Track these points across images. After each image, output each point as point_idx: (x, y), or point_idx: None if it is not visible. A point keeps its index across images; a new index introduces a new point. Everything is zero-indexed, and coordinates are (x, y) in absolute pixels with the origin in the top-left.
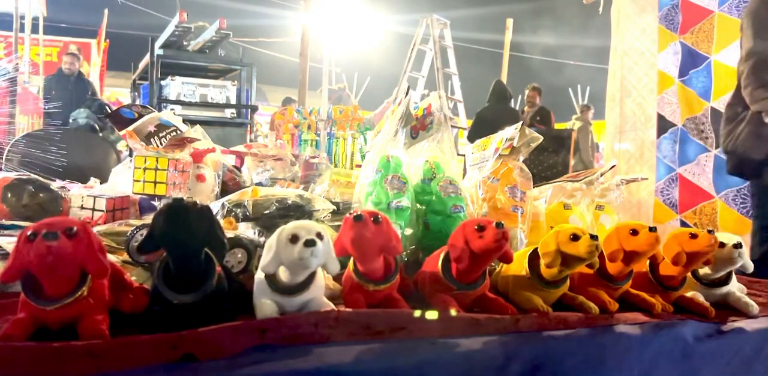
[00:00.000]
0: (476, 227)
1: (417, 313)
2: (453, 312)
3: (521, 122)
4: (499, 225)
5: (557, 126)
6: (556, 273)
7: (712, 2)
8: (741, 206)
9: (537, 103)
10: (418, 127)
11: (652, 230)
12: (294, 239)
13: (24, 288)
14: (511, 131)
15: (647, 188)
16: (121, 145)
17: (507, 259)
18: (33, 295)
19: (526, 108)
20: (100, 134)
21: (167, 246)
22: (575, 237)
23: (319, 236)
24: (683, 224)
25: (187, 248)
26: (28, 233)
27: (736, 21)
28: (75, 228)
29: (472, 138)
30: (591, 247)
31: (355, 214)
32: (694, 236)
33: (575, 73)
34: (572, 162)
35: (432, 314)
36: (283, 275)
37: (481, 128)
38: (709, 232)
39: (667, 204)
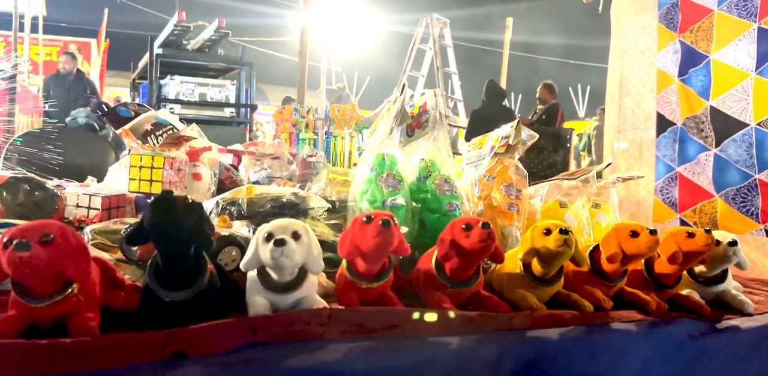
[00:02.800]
0: (463, 227)
1: (410, 311)
2: (447, 310)
3: (518, 120)
4: (485, 225)
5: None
6: (541, 271)
7: (712, 1)
8: (741, 204)
9: (548, 101)
10: (413, 125)
11: (653, 233)
12: (269, 237)
13: (14, 286)
14: (507, 129)
15: (647, 186)
16: None
17: (498, 259)
18: (23, 293)
19: (538, 106)
20: (100, 133)
21: (155, 239)
22: (548, 232)
23: (295, 235)
24: (683, 222)
25: (174, 241)
26: (4, 240)
27: (735, 20)
28: (51, 235)
29: (468, 137)
30: (559, 241)
31: (382, 219)
32: (691, 235)
33: (575, 72)
34: (586, 162)
35: (425, 312)
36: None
37: (477, 127)
38: (707, 231)
39: (666, 203)
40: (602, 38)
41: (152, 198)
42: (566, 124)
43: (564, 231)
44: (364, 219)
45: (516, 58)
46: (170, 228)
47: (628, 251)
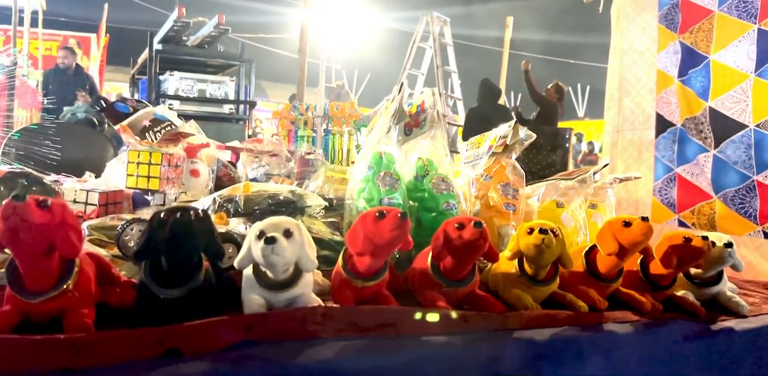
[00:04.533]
0: (456, 226)
1: (405, 310)
2: (442, 309)
3: (515, 120)
4: (477, 224)
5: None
6: (531, 270)
7: (712, 2)
8: (739, 206)
9: (552, 100)
10: (411, 124)
11: (644, 219)
12: (261, 235)
13: (9, 281)
14: (504, 129)
15: (645, 187)
16: None
17: (492, 258)
18: (18, 288)
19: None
20: (99, 129)
21: (166, 255)
22: (530, 231)
23: (287, 233)
24: (681, 223)
25: (187, 255)
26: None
27: (735, 21)
28: (50, 201)
29: (465, 136)
30: (537, 240)
31: (399, 213)
32: (688, 240)
33: (575, 71)
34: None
35: (421, 311)
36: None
37: (473, 126)
38: (704, 238)
39: (665, 204)
40: (602, 38)
41: (164, 215)
42: (566, 124)
43: (543, 231)
44: (377, 214)
45: (515, 56)
46: (186, 247)
47: (623, 242)
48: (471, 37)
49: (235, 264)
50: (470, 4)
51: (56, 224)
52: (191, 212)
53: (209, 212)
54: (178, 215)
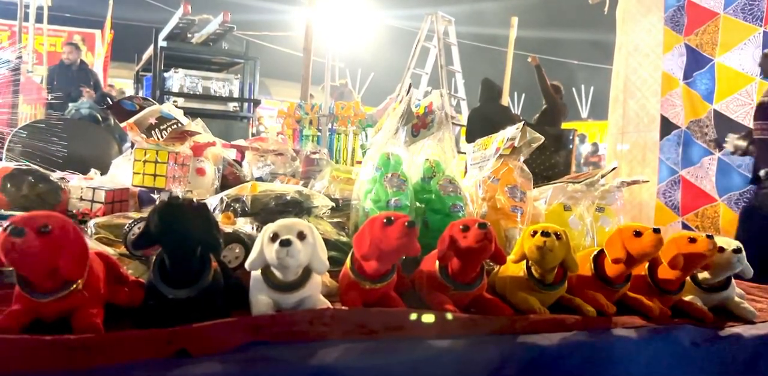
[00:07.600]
0: (461, 227)
1: (413, 312)
2: (449, 312)
3: (523, 122)
4: (482, 226)
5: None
6: (538, 274)
7: (718, 4)
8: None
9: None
10: (419, 125)
11: (656, 231)
12: (274, 237)
13: (18, 280)
14: (512, 131)
15: (649, 189)
16: None
17: (499, 260)
18: (27, 287)
19: (544, 105)
20: (103, 125)
21: (163, 243)
22: (533, 234)
23: (301, 235)
24: (685, 226)
25: (182, 245)
26: (5, 224)
27: (741, 23)
28: (50, 226)
29: (468, 137)
30: (538, 242)
31: (407, 221)
32: (692, 240)
33: (579, 72)
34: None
35: (428, 314)
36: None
37: (476, 127)
38: (708, 237)
39: (669, 206)
40: (607, 39)
41: (159, 204)
42: (569, 125)
43: (545, 233)
44: (384, 221)
45: (519, 56)
46: (179, 234)
47: (632, 252)
48: (476, 37)
49: (247, 266)
50: (475, 1)
51: (58, 248)
52: (181, 199)
53: (216, 211)
54: (167, 200)
